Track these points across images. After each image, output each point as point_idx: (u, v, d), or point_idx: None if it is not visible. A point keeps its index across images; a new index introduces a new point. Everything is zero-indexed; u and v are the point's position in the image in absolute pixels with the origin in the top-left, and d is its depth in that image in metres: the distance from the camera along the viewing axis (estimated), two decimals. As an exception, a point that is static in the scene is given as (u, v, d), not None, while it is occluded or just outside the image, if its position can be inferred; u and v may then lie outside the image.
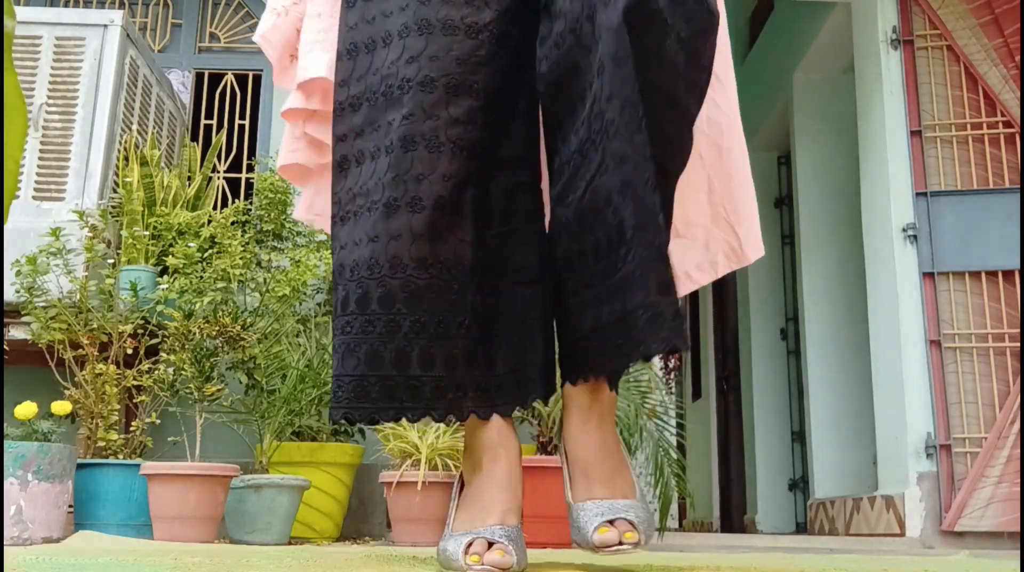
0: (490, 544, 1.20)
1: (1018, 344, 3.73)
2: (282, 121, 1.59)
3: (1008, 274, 3.84)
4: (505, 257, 1.30)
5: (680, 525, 8.63)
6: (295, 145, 1.51)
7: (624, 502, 1.22)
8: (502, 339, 1.28)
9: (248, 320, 3.19)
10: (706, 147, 1.32)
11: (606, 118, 1.16)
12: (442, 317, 1.23)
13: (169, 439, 3.11)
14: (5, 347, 3.24)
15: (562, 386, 1.32)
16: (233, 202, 3.90)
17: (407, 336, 1.22)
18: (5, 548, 2.06)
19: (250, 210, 3.93)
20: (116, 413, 3.00)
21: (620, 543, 1.17)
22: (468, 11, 1.29)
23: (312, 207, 1.54)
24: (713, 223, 1.33)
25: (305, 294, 3.51)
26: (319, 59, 1.42)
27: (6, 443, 2.49)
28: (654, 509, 2.82)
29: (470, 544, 1.20)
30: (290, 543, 2.91)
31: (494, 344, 1.28)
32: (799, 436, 5.81)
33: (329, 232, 1.40)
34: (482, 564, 1.17)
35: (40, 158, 3.56)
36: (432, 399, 1.24)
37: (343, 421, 1.25)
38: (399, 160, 1.24)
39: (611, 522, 1.20)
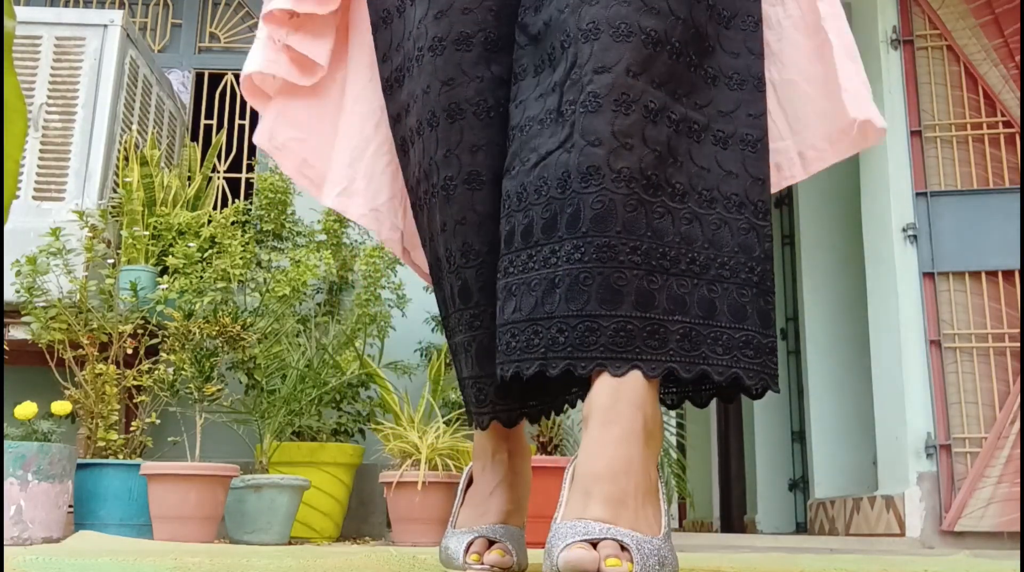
0: (491, 543, 1.20)
1: (1018, 344, 3.72)
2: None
3: (1008, 274, 3.83)
4: None
5: (680, 525, 8.63)
6: (274, 54, 1.25)
7: (629, 532, 0.88)
8: None
9: (248, 320, 3.18)
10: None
11: (587, 90, 0.98)
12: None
13: (169, 439, 3.11)
14: (5, 347, 3.24)
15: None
16: (233, 202, 3.89)
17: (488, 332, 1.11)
18: (5, 548, 2.06)
19: (250, 210, 3.92)
20: (116, 413, 3.00)
21: (598, 571, 0.84)
22: None
23: (274, 136, 1.29)
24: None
25: (305, 294, 3.51)
26: None
27: (6, 443, 2.49)
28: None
29: (471, 543, 1.20)
30: (290, 543, 2.91)
31: None
32: (799, 436, 5.80)
33: (284, 169, 1.31)
34: (482, 564, 1.17)
35: (40, 158, 3.56)
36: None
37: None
38: (447, 133, 1.10)
39: (594, 544, 0.87)
